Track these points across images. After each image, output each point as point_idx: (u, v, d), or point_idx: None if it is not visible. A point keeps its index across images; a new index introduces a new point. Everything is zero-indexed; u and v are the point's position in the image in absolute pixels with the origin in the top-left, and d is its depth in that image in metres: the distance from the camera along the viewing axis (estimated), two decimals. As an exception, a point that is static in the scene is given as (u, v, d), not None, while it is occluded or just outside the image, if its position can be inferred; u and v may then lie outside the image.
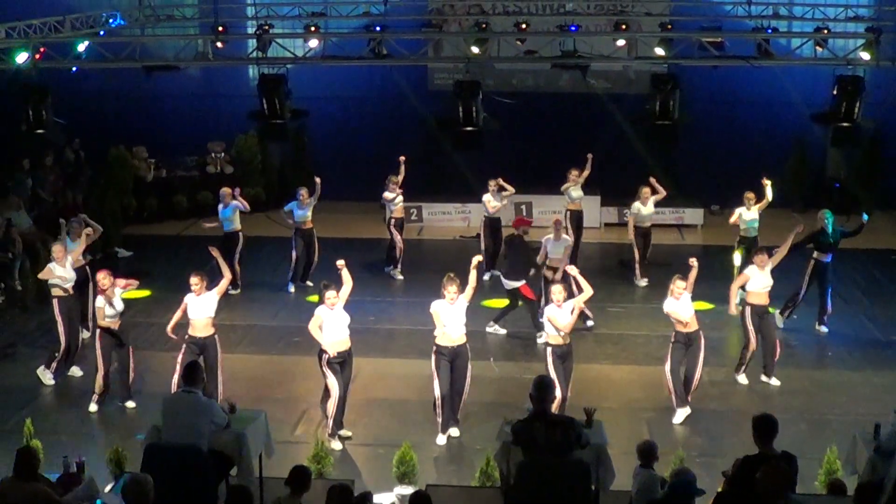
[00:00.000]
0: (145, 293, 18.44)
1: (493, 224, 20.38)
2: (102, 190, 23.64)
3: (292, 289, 19.61)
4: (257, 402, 13.40)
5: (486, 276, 19.92)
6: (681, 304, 13.88)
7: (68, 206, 23.20)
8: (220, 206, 19.35)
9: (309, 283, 19.30)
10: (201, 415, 10.51)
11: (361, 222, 23.62)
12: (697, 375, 13.99)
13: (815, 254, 17.04)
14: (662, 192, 19.82)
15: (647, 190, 19.73)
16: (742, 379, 15.17)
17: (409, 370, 15.42)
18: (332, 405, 13.09)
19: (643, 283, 19.79)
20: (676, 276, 13.99)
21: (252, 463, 11.20)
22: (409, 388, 14.87)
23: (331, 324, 12.98)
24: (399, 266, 20.48)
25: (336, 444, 13.15)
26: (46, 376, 15.14)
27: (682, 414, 13.95)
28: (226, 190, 19.51)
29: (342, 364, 13.12)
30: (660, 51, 18.51)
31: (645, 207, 19.76)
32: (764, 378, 15.15)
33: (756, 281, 14.98)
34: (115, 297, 14.00)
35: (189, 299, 13.74)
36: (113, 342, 14.11)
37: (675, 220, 24.36)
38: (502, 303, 17.67)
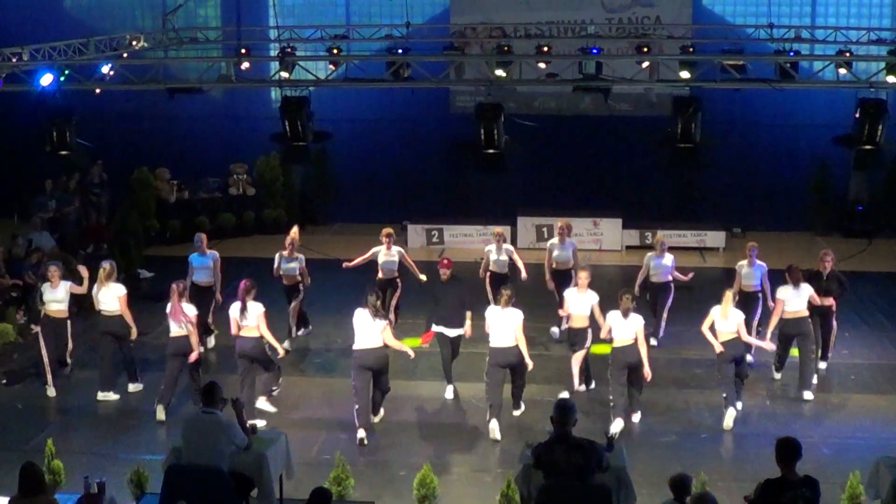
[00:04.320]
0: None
1: (497, 279, 17.45)
2: (125, 211, 23.76)
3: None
4: (278, 424, 13.42)
5: None
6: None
7: (92, 228, 23.34)
8: (196, 253, 17.28)
9: (299, 334, 17.80)
10: (221, 436, 10.51)
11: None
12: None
13: (812, 297, 15.70)
14: None
15: (660, 236, 17.85)
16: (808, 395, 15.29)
17: (432, 392, 15.40)
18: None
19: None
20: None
21: (272, 484, 11.19)
22: (432, 411, 14.86)
23: (362, 327, 13.73)
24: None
25: (360, 433, 13.74)
26: (110, 396, 15.37)
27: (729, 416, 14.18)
28: (202, 235, 17.62)
29: (365, 366, 13.70)
30: (682, 73, 18.52)
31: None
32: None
33: (791, 301, 15.16)
34: (58, 288, 15.12)
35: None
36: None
37: (697, 243, 24.26)
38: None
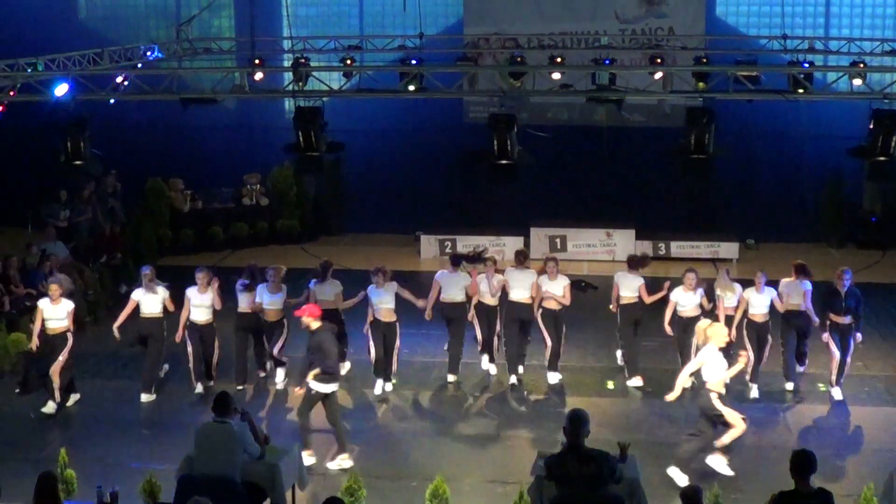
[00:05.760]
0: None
1: (487, 310, 16.48)
2: (139, 221, 23.83)
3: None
4: (292, 434, 13.42)
5: (485, 366, 16.72)
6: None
7: (106, 237, 23.39)
8: (196, 290, 16.04)
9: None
10: (235, 445, 10.52)
11: (395, 255, 23.62)
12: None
13: (832, 315, 15.50)
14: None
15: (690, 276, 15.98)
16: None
17: (445, 402, 15.38)
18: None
19: None
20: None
21: (285, 495, 11.19)
22: (444, 421, 14.83)
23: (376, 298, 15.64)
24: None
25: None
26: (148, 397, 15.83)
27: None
28: (203, 276, 16.27)
29: (380, 332, 15.58)
30: (696, 84, 18.49)
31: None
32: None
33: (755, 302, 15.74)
34: (59, 305, 15.14)
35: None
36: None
37: (711, 254, 24.21)
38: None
